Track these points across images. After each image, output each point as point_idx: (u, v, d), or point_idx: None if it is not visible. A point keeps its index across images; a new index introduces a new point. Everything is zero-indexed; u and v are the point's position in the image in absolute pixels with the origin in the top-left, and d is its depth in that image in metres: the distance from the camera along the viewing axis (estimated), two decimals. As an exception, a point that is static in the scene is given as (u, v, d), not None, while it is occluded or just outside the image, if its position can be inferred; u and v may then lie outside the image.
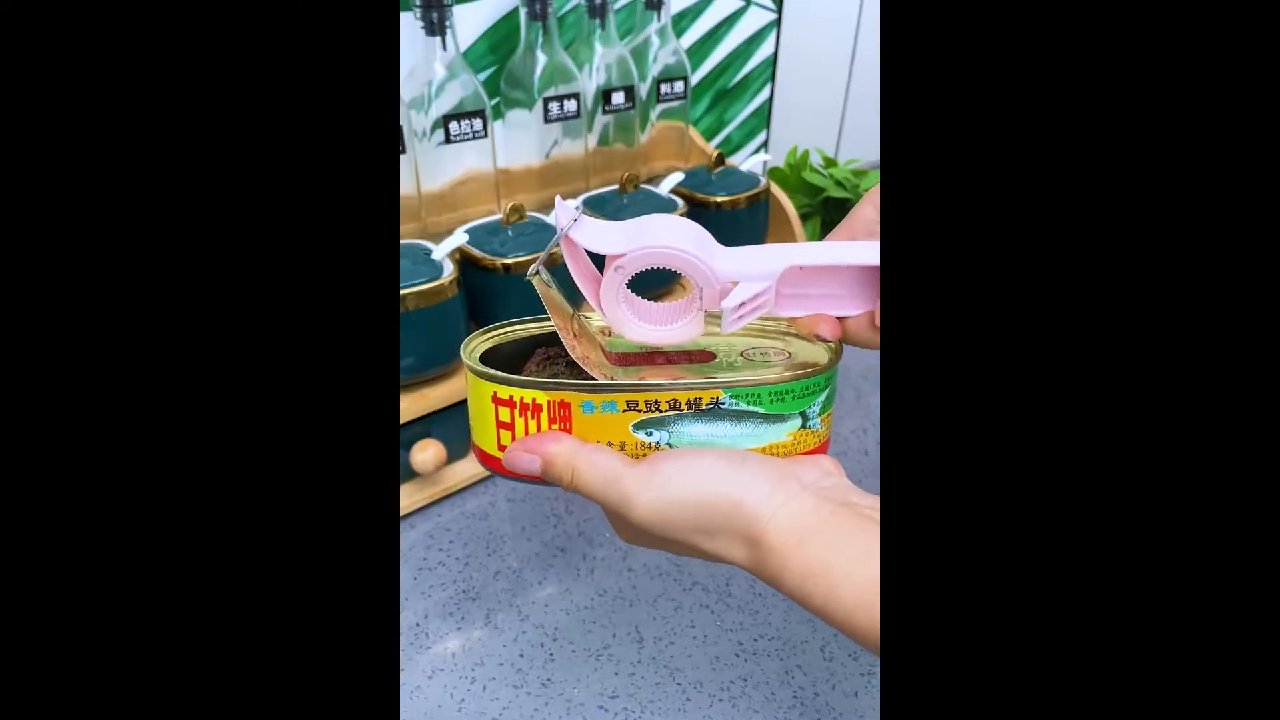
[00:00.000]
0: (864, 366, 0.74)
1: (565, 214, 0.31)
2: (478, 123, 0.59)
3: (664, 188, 0.68)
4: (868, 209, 0.34)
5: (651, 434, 0.32)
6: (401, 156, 0.57)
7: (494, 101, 0.67)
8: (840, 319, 0.33)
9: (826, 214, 0.88)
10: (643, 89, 0.71)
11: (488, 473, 0.34)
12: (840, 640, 0.48)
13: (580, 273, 0.33)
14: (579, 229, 0.31)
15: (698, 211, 0.69)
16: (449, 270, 0.53)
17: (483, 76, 0.68)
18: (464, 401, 0.35)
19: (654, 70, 0.72)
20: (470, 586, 0.52)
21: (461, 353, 0.33)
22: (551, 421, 0.32)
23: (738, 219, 0.71)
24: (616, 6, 0.69)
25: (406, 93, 0.57)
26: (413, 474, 0.57)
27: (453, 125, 0.58)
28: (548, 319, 0.36)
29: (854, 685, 0.45)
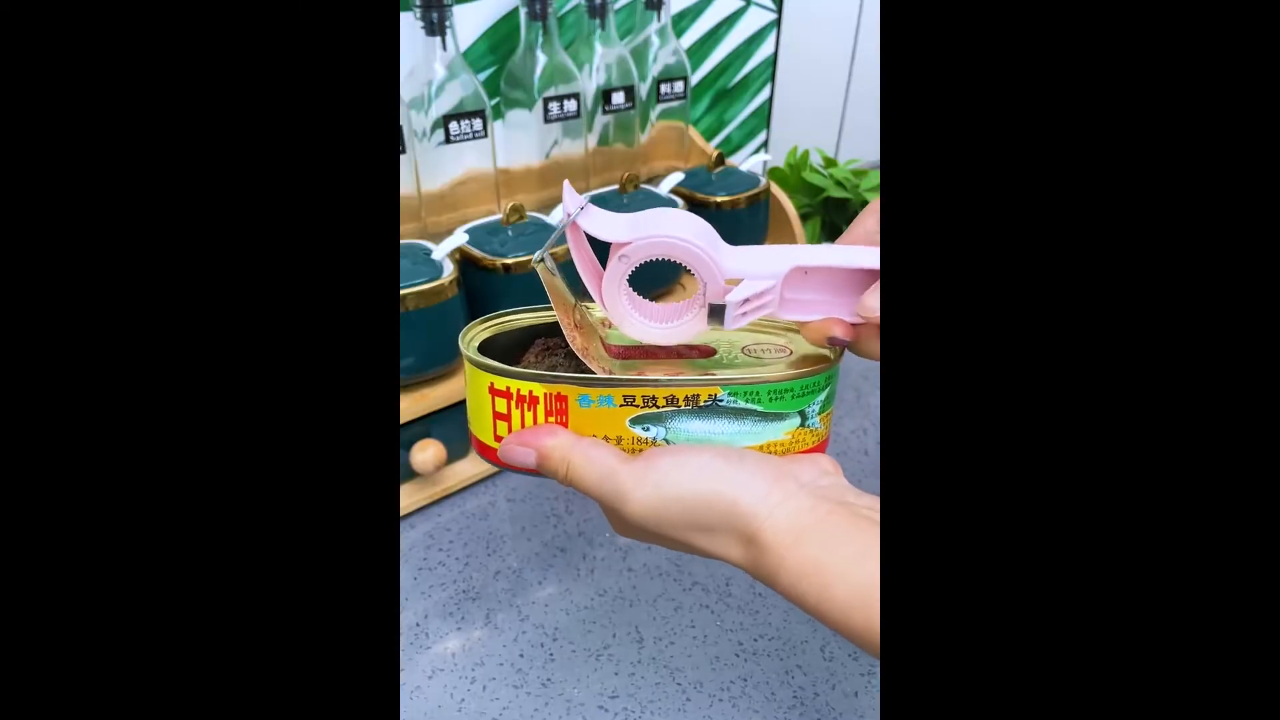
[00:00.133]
0: (864, 366, 0.74)
1: (573, 200, 0.31)
2: (478, 123, 0.59)
3: (664, 188, 0.68)
4: (870, 220, 0.33)
5: (648, 429, 0.32)
6: (401, 156, 0.57)
7: (494, 101, 0.67)
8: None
9: (826, 214, 0.88)
10: (643, 89, 0.71)
11: (486, 464, 0.34)
12: (840, 640, 0.48)
13: (584, 263, 0.32)
14: (586, 216, 0.31)
15: (697, 211, 0.69)
16: (449, 270, 0.53)
17: (483, 76, 0.68)
18: (464, 402, 0.34)
19: (654, 70, 0.72)
20: (470, 586, 0.52)
21: (460, 341, 0.33)
22: (548, 414, 0.31)
23: (738, 219, 0.71)
24: (616, 6, 0.69)
25: (406, 93, 0.57)
26: (413, 474, 0.56)
27: (453, 125, 0.58)
28: (547, 309, 0.36)
29: (854, 685, 0.45)
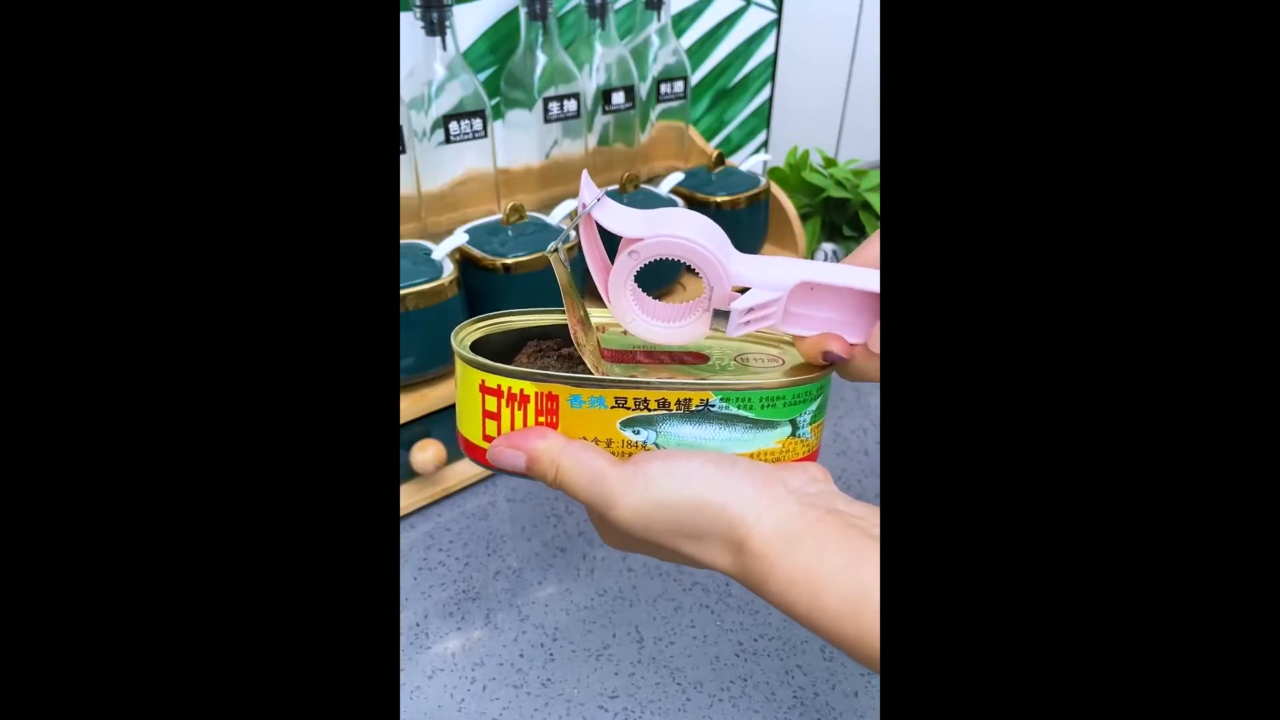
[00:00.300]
0: (864, 366, 0.74)
1: (590, 192, 0.31)
2: (478, 123, 0.59)
3: (664, 188, 0.68)
4: (876, 248, 0.33)
5: (639, 432, 0.32)
6: (401, 156, 0.57)
7: (494, 101, 0.67)
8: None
9: (826, 214, 0.88)
10: (643, 89, 0.71)
11: (474, 464, 0.34)
12: (840, 640, 0.48)
13: (593, 256, 0.32)
14: (601, 209, 0.31)
15: (697, 211, 0.69)
16: (449, 270, 0.53)
17: (483, 76, 0.68)
18: (463, 402, 0.34)
19: (654, 70, 0.72)
20: (470, 586, 0.52)
21: (452, 340, 0.33)
22: (538, 413, 0.31)
23: (738, 219, 0.71)
24: (616, 6, 0.69)
25: (406, 93, 0.57)
26: (413, 474, 0.57)
27: (453, 125, 0.58)
28: (540, 311, 0.36)
29: (854, 685, 0.45)
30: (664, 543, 0.30)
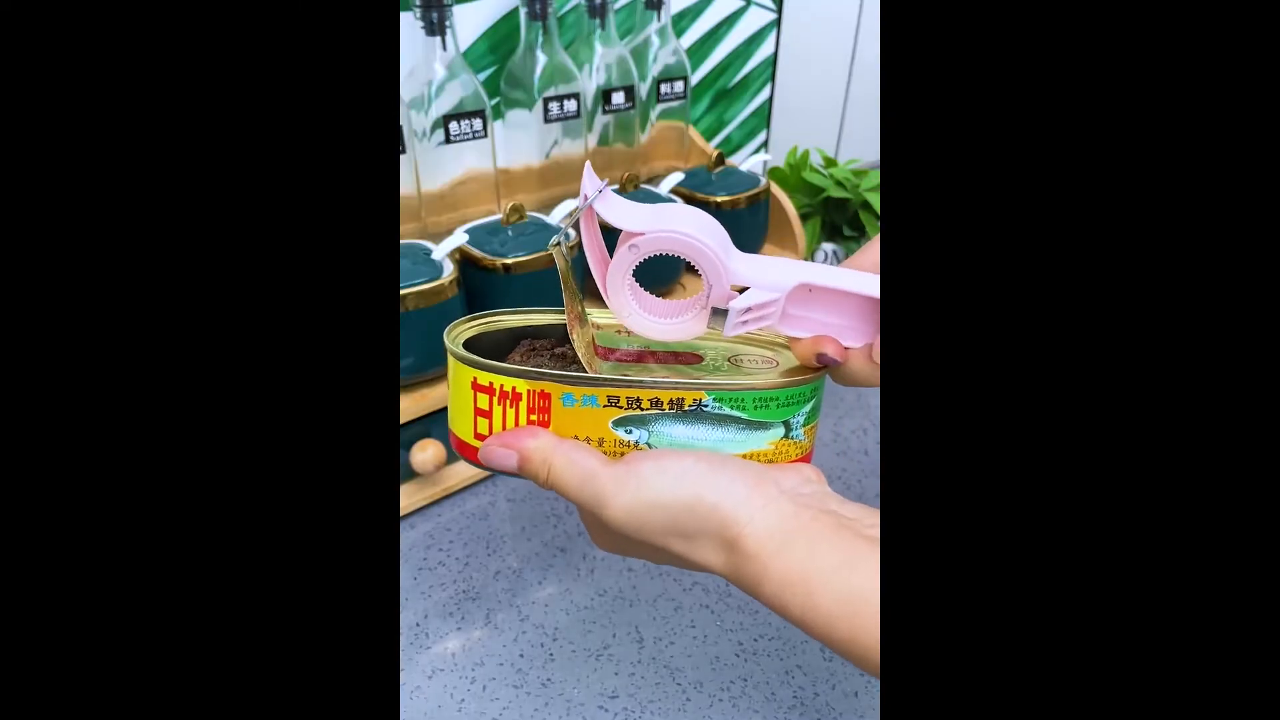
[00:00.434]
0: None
1: (592, 183, 0.31)
2: (478, 123, 0.59)
3: (664, 188, 0.68)
4: (876, 252, 0.33)
5: (631, 432, 0.31)
6: (401, 156, 0.57)
7: (494, 101, 0.67)
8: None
9: (826, 214, 0.88)
10: (643, 89, 0.71)
11: (465, 461, 0.34)
12: (840, 640, 0.48)
13: (593, 249, 0.32)
14: (603, 201, 0.30)
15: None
16: (449, 270, 0.53)
17: (483, 76, 0.68)
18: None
19: (654, 70, 0.72)
20: (470, 586, 0.52)
21: (445, 337, 0.33)
22: (530, 412, 0.31)
23: (738, 219, 0.71)
24: (616, 6, 0.69)
25: (406, 93, 0.57)
26: (413, 474, 0.57)
27: (453, 125, 0.58)
28: (534, 310, 0.36)
29: (854, 685, 0.45)
30: (656, 543, 0.30)
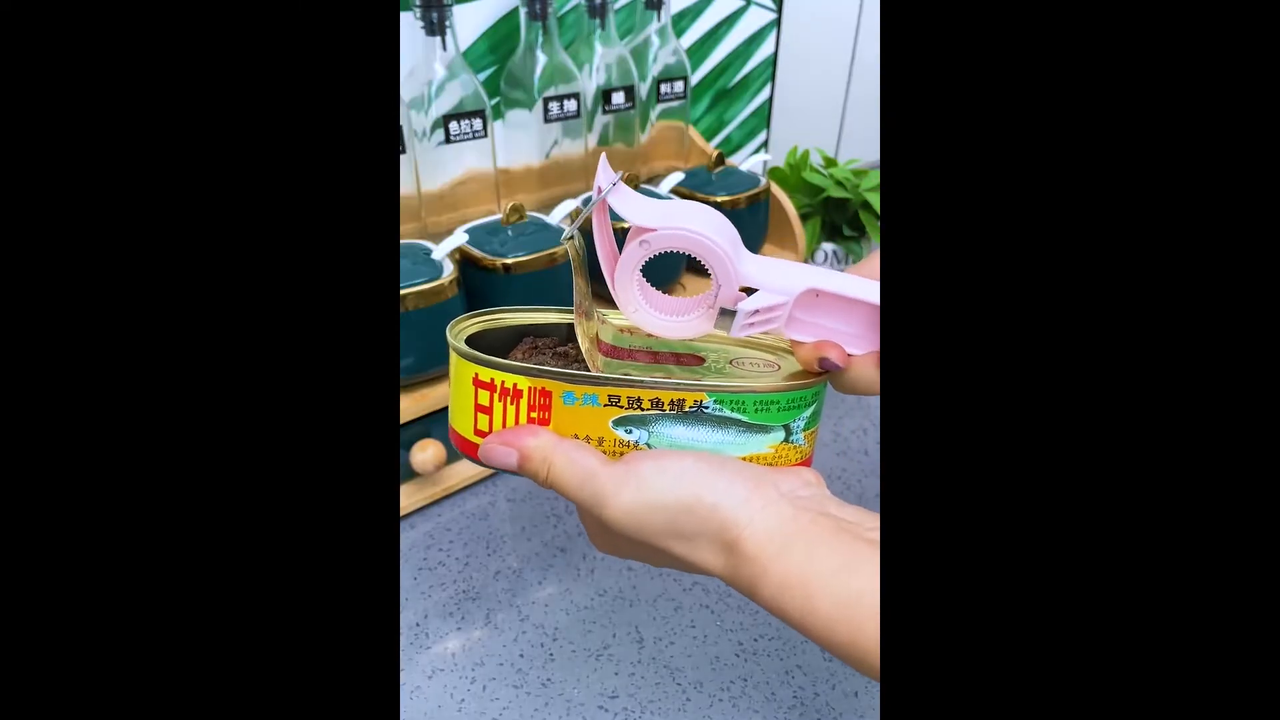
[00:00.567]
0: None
1: (606, 176, 0.31)
2: (478, 123, 0.59)
3: (664, 188, 0.68)
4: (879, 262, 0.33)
5: (631, 432, 0.31)
6: (401, 156, 0.57)
7: (494, 101, 0.67)
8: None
9: (826, 214, 0.88)
10: (643, 89, 0.71)
11: (465, 458, 0.34)
12: (840, 640, 0.48)
13: (603, 242, 0.32)
14: (617, 195, 0.30)
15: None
16: (449, 270, 0.53)
17: (483, 76, 0.68)
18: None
19: (654, 70, 0.72)
20: (470, 586, 0.52)
21: (447, 333, 0.33)
22: (531, 409, 0.31)
23: (738, 219, 0.70)
24: (616, 6, 0.69)
25: (406, 93, 0.57)
26: (413, 474, 0.57)
27: (453, 125, 0.58)
28: (537, 308, 0.36)
29: (854, 685, 0.45)
30: (655, 543, 0.29)
